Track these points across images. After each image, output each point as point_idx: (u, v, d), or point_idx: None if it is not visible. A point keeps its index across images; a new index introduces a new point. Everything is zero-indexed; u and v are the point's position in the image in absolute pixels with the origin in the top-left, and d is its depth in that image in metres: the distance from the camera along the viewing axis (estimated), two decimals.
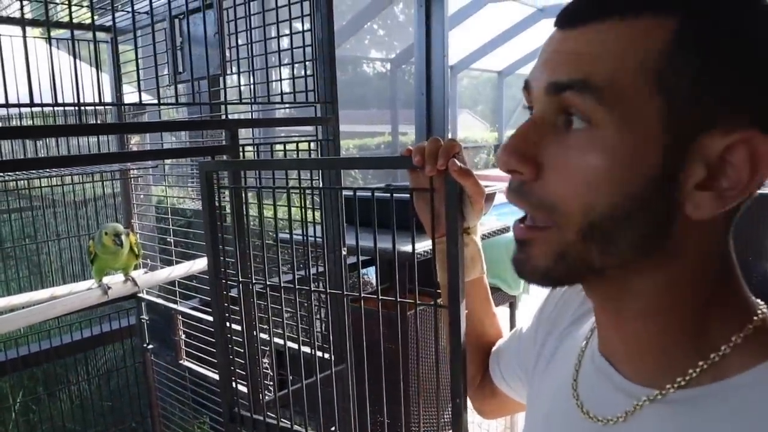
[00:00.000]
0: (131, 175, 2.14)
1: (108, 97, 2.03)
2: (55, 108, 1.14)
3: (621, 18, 0.47)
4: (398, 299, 0.92)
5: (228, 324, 1.21)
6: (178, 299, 2.07)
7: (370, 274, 3.16)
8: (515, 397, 0.92)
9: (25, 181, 1.94)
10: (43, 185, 1.97)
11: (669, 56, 0.46)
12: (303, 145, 1.42)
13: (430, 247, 0.95)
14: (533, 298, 2.90)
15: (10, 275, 1.96)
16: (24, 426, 2.21)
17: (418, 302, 0.92)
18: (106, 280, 1.83)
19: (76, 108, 1.11)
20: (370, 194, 0.99)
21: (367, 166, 0.98)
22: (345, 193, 1.52)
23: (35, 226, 2.02)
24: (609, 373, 0.60)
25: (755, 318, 0.52)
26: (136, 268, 1.95)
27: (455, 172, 0.81)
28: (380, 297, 0.95)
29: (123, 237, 1.71)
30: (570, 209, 0.50)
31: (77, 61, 1.18)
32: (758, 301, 0.55)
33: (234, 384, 1.24)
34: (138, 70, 1.36)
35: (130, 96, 2.01)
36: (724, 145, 0.46)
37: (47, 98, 1.09)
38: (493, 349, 0.96)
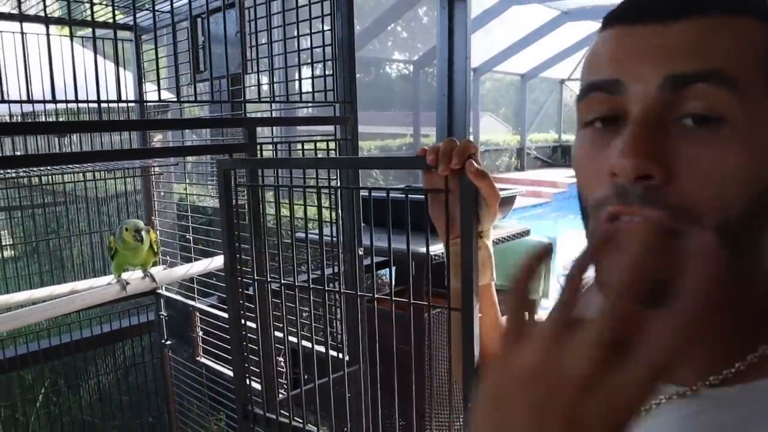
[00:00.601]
0: (152, 173, 2.16)
1: (131, 96, 2.06)
2: (78, 105, 1.15)
3: (724, 14, 0.47)
4: (411, 301, 0.91)
5: (243, 321, 1.22)
6: (196, 296, 2.09)
7: (388, 275, 3.16)
8: None
9: (49, 177, 1.97)
10: (66, 181, 2.00)
11: None
12: (321, 145, 1.42)
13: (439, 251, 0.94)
14: (552, 301, 2.88)
15: (33, 269, 1.99)
16: (45, 417, 2.25)
17: (431, 304, 0.92)
18: (125, 276, 1.85)
19: (97, 105, 1.13)
20: (386, 195, 0.99)
21: (383, 166, 0.98)
22: (362, 193, 1.52)
23: (58, 222, 2.05)
24: None
25: None
26: (154, 264, 1.97)
27: (471, 173, 0.80)
28: (393, 298, 0.95)
29: (143, 233, 1.73)
30: (702, 212, 0.47)
31: (99, 59, 1.19)
32: None
33: (248, 382, 1.25)
34: (158, 68, 1.37)
35: (152, 95, 2.03)
36: None
37: (69, 96, 1.10)
38: None
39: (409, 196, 0.98)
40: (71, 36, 1.08)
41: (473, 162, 0.81)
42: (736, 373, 0.49)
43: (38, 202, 2.15)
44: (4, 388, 2.16)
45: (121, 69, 2.00)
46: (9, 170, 1.90)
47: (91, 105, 1.62)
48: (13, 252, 2.27)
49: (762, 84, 0.46)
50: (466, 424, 0.97)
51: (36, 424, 2.23)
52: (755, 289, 0.50)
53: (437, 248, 1.89)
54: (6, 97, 1.03)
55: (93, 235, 2.13)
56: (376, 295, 0.99)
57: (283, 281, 1.15)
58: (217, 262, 1.90)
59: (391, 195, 0.97)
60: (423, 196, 0.92)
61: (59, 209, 2.14)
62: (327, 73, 1.46)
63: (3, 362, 1.92)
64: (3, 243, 2.05)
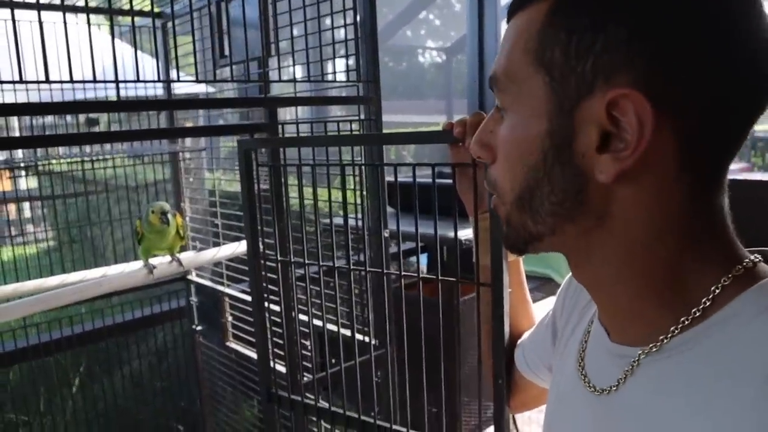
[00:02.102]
0: (181, 158, 2.16)
1: (157, 85, 2.06)
2: (95, 85, 1.14)
3: (521, 9, 0.53)
4: (439, 277, 0.88)
5: (267, 304, 1.20)
6: (225, 282, 2.09)
7: (416, 262, 3.12)
8: (546, 387, 0.89)
9: (80, 163, 1.99)
10: (96, 168, 2.01)
11: (541, 34, 0.51)
12: (345, 127, 1.39)
13: (472, 235, 0.92)
14: None
15: (68, 257, 2.02)
16: (81, 402, 2.29)
17: (460, 279, 0.89)
18: (153, 261, 1.85)
19: (115, 86, 1.12)
20: (412, 179, 0.96)
21: (408, 141, 0.95)
22: (391, 179, 1.49)
23: (89, 210, 2.08)
24: (604, 340, 0.61)
25: (738, 267, 0.52)
26: (181, 250, 1.97)
27: None
28: (421, 275, 0.92)
29: (169, 215, 1.72)
30: (503, 185, 0.57)
31: (126, 46, 1.18)
32: (755, 255, 0.54)
33: (272, 364, 1.23)
34: (176, 48, 1.35)
35: (178, 83, 2.03)
36: (603, 106, 0.48)
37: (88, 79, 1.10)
38: (519, 341, 0.94)
39: (437, 180, 0.95)
40: (88, 21, 1.07)
41: None
42: (683, 329, 0.52)
43: (71, 191, 2.18)
44: (43, 373, 2.20)
45: (146, 56, 2.01)
46: (45, 160, 1.92)
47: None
48: (47, 243, 2.31)
49: (533, 64, 0.51)
50: (497, 406, 0.94)
51: (72, 409, 2.27)
52: (657, 252, 0.52)
53: (466, 233, 1.85)
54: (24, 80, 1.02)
55: (122, 222, 2.15)
56: (403, 273, 0.96)
57: (307, 262, 1.13)
58: (245, 246, 1.90)
59: (418, 180, 0.94)
60: (451, 181, 0.90)
61: (93, 198, 2.17)
62: (350, 52, 1.43)
63: (39, 347, 1.95)
64: (34, 231, 2.08)
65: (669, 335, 0.52)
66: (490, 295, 0.92)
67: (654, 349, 0.53)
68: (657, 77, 0.47)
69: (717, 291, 0.51)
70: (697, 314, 0.51)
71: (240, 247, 1.89)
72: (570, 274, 0.80)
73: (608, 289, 0.57)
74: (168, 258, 1.87)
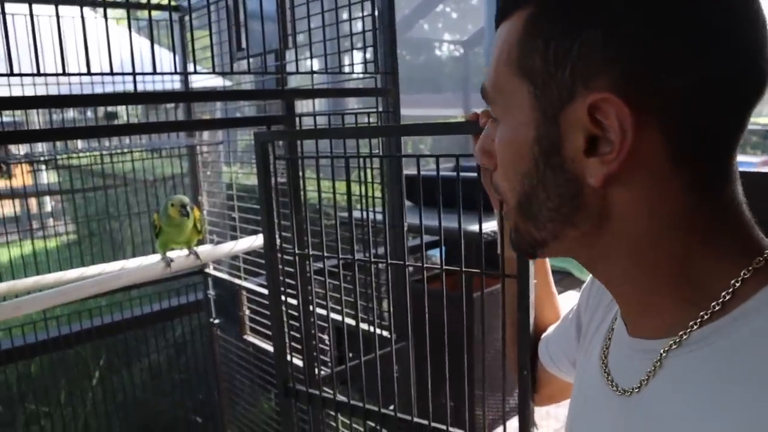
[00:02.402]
0: (198, 152, 2.17)
1: (175, 78, 2.07)
2: (113, 80, 1.14)
3: (505, 19, 0.54)
4: (463, 269, 0.87)
5: (284, 297, 1.20)
6: (242, 275, 2.09)
7: (436, 256, 3.11)
8: (571, 381, 0.87)
9: (99, 157, 1.99)
10: (115, 161, 2.02)
11: (521, 43, 0.51)
12: (362, 119, 1.38)
13: (495, 227, 0.90)
14: None
15: (87, 250, 2.03)
16: (101, 394, 2.31)
17: (485, 272, 0.87)
18: (170, 255, 1.85)
19: (132, 78, 1.11)
20: (434, 174, 0.95)
21: (430, 132, 0.94)
22: (408, 172, 1.48)
23: (108, 203, 2.09)
24: (625, 336, 0.60)
25: (759, 259, 0.50)
26: (199, 243, 1.97)
27: None
28: (444, 267, 0.90)
29: (188, 208, 1.72)
30: (504, 191, 0.58)
31: (143, 41, 1.18)
32: None
33: (290, 358, 1.23)
34: (192, 42, 1.35)
35: (196, 76, 2.03)
36: (585, 110, 0.47)
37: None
38: (543, 334, 0.94)
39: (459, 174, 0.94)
40: (106, 15, 1.07)
41: None
42: (712, 314, 0.51)
43: (90, 185, 2.20)
44: (63, 365, 2.23)
45: (164, 51, 2.01)
46: (65, 154, 1.94)
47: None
48: (67, 236, 2.33)
49: (516, 74, 0.51)
50: (522, 398, 0.93)
51: (92, 400, 2.29)
52: (664, 249, 0.52)
53: (489, 225, 1.83)
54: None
55: (145, 217, 2.16)
56: (426, 265, 0.95)
57: (325, 255, 1.12)
58: (262, 239, 1.90)
59: (438, 173, 0.93)
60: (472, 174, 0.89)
61: (112, 192, 2.18)
62: (367, 44, 1.42)
63: (60, 339, 1.97)
64: (54, 224, 2.10)
65: (688, 330, 0.51)
66: (515, 287, 0.91)
67: (674, 346, 0.52)
68: (633, 78, 0.46)
69: (737, 284, 0.50)
70: (717, 308, 0.50)
71: (257, 241, 1.89)
72: None
73: (621, 286, 0.57)
74: (185, 251, 1.87)
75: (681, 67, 0.46)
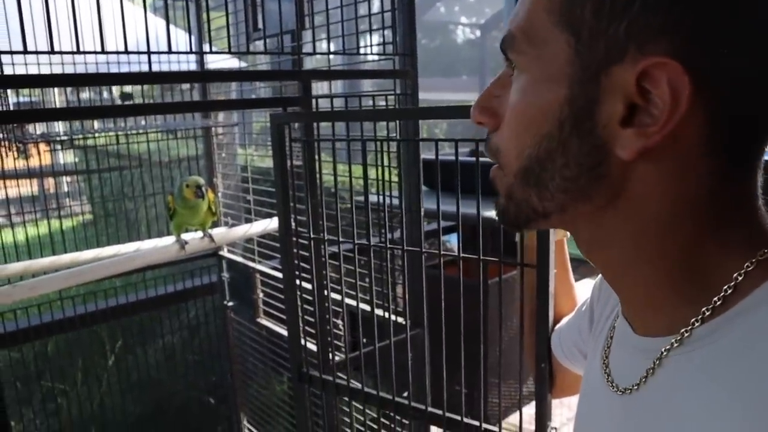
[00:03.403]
0: (214, 133, 2.15)
1: (190, 59, 2.05)
2: (129, 60, 1.13)
3: None
4: (481, 257, 0.85)
5: (299, 282, 1.18)
6: (257, 258, 2.09)
7: (452, 241, 3.09)
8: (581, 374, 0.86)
9: (115, 137, 1.99)
10: (131, 142, 2.02)
11: None
12: (379, 102, 1.36)
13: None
14: None
15: (101, 228, 2.04)
16: (116, 373, 2.33)
17: (503, 260, 0.85)
18: (185, 236, 1.85)
19: (147, 57, 1.10)
20: (451, 158, 0.92)
21: (450, 115, 0.91)
22: (426, 157, 1.45)
23: (123, 184, 2.09)
24: (629, 335, 0.57)
25: (764, 251, 0.47)
26: (214, 225, 1.96)
27: None
28: (461, 255, 0.88)
29: (203, 189, 1.71)
30: (507, 153, 0.52)
31: (158, 20, 1.16)
32: None
33: (304, 343, 1.22)
34: (209, 21, 1.33)
35: (211, 58, 2.01)
36: (635, 75, 0.43)
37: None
38: (557, 326, 0.92)
39: (467, 158, 0.91)
40: None
41: None
42: (713, 309, 0.48)
43: (106, 166, 2.20)
44: (79, 344, 2.25)
45: (180, 31, 1.99)
46: (81, 134, 1.93)
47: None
48: (83, 216, 2.34)
49: (557, 23, 0.46)
50: (539, 390, 0.91)
51: (107, 380, 2.31)
52: (675, 236, 0.48)
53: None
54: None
55: (160, 198, 2.15)
56: (442, 252, 0.93)
57: (341, 240, 1.11)
58: (276, 222, 1.88)
59: (447, 157, 0.90)
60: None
61: (127, 173, 2.18)
62: (386, 25, 1.39)
63: (75, 319, 1.98)
64: (70, 204, 2.10)
65: (690, 327, 0.48)
66: (533, 276, 0.89)
67: (676, 344, 0.49)
68: (696, 49, 0.42)
69: (740, 278, 0.47)
70: (718, 303, 0.47)
71: (272, 224, 1.88)
72: None
73: (622, 276, 0.54)
74: (200, 234, 1.86)
75: (743, 47, 0.42)
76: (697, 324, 0.48)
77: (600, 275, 0.78)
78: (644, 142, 0.44)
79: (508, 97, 0.52)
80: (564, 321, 0.90)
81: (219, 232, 1.92)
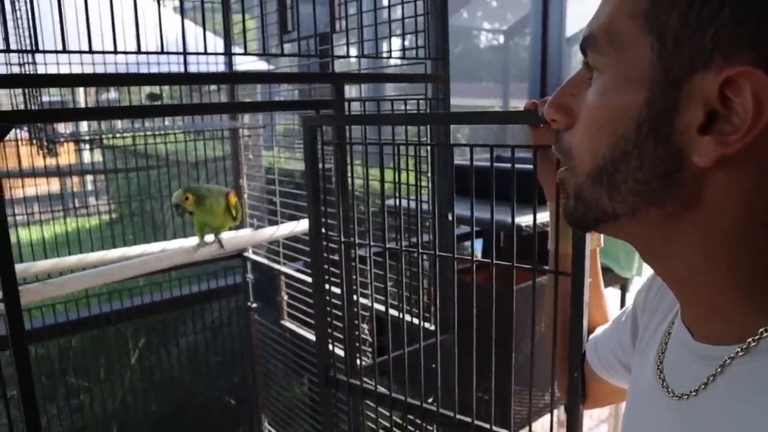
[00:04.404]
0: (241, 135, 2.16)
1: (219, 60, 2.06)
2: (159, 62, 1.13)
3: None
4: (515, 264, 0.84)
5: (328, 286, 1.18)
6: (282, 260, 2.09)
7: (476, 248, 3.07)
8: (621, 385, 0.84)
9: (142, 137, 2.00)
10: (158, 142, 2.03)
11: None
12: (411, 105, 1.35)
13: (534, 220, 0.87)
14: (645, 279, 2.72)
15: (126, 227, 2.05)
16: (138, 372, 2.34)
17: (538, 268, 0.84)
18: (207, 238, 1.82)
19: (183, 58, 1.10)
20: (477, 164, 0.92)
21: (485, 121, 0.90)
22: (456, 162, 1.44)
23: (150, 184, 2.10)
24: (687, 340, 0.56)
25: None
26: (240, 227, 1.95)
27: None
28: (494, 261, 0.87)
29: (180, 208, 1.64)
30: (580, 153, 0.52)
31: (187, 23, 1.16)
32: None
33: (331, 347, 1.21)
34: (244, 23, 1.33)
35: (239, 60, 2.02)
36: (718, 83, 0.43)
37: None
38: (591, 336, 0.90)
39: (497, 163, 0.90)
40: None
41: None
42: None
43: (132, 166, 2.21)
44: (103, 342, 2.26)
45: (209, 34, 2.00)
46: (109, 134, 1.95)
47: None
48: (109, 215, 2.36)
49: (641, 26, 0.46)
50: (571, 401, 0.89)
51: (130, 378, 2.32)
52: (749, 244, 0.47)
53: (526, 219, 1.79)
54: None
55: None
56: (475, 259, 0.92)
57: (372, 244, 1.10)
58: (303, 225, 1.88)
59: (478, 163, 0.89)
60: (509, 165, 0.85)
61: (153, 173, 2.19)
62: (418, 29, 1.38)
63: (100, 317, 2.00)
64: (97, 204, 2.12)
65: (758, 337, 0.48)
66: (566, 285, 0.87)
67: (741, 353, 0.48)
68: None
69: None
70: None
71: (299, 226, 1.88)
72: (652, 274, 0.75)
73: (687, 283, 0.53)
74: (224, 235, 1.85)
75: None
76: (765, 334, 0.47)
77: (642, 286, 0.77)
78: (723, 150, 0.44)
79: (584, 97, 0.53)
80: (600, 331, 0.89)
81: (245, 234, 1.92)
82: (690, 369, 0.55)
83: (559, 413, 2.35)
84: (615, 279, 2.67)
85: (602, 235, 0.90)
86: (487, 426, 1.04)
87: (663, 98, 0.45)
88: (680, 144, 0.46)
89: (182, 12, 1.18)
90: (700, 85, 0.44)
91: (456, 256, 0.97)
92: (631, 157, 0.48)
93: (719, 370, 0.50)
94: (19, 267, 1.54)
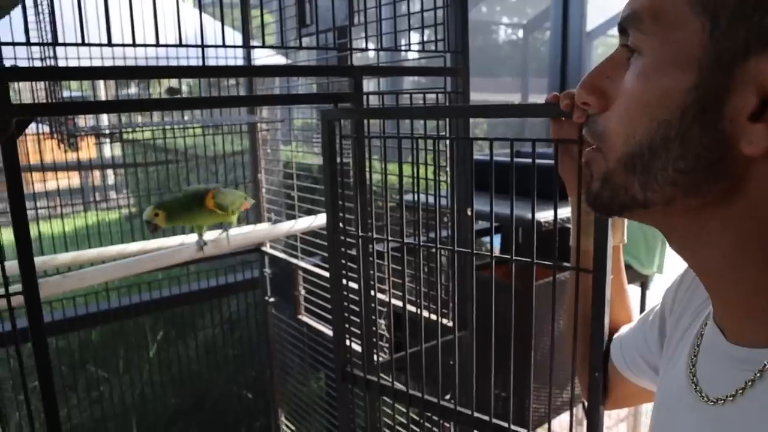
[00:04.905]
0: (259, 129, 2.16)
1: (238, 56, 2.06)
2: (178, 56, 1.13)
3: None
4: (535, 261, 0.82)
5: (345, 281, 1.17)
6: (299, 255, 2.09)
7: (489, 243, 3.05)
8: (646, 386, 0.81)
9: (161, 131, 2.01)
10: (177, 136, 2.04)
11: None
12: (430, 99, 1.33)
13: (553, 217, 0.85)
14: (666, 277, 2.68)
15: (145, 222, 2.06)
16: (157, 365, 2.36)
17: (559, 264, 0.82)
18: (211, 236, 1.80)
19: (201, 50, 1.10)
20: (502, 160, 0.90)
21: (507, 114, 0.89)
22: (475, 157, 1.43)
23: (169, 178, 2.11)
24: (720, 342, 0.54)
25: None
26: (257, 221, 1.95)
27: None
28: (514, 258, 0.86)
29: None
30: (614, 137, 0.50)
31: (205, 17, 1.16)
32: None
33: (348, 342, 1.20)
34: (262, 17, 1.32)
35: (260, 50, 2.02)
36: None
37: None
38: (616, 335, 0.88)
39: (516, 159, 0.89)
40: None
41: None
42: None
43: (152, 160, 2.23)
44: (122, 335, 2.28)
45: (228, 29, 2.00)
46: (129, 128, 1.96)
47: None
48: (129, 209, 2.38)
49: (693, 5, 0.43)
50: (592, 401, 0.88)
51: (148, 371, 2.34)
52: None
53: (544, 215, 1.77)
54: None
55: None
56: (494, 255, 0.90)
57: (390, 239, 1.09)
58: (321, 220, 1.88)
59: (500, 159, 0.88)
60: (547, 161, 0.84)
61: (173, 167, 2.20)
62: (437, 22, 1.37)
63: (120, 310, 2.02)
64: (117, 197, 2.13)
65: None
66: (587, 282, 0.85)
67: None
68: None
69: None
70: None
71: (316, 221, 1.87)
72: (681, 272, 0.73)
73: (720, 277, 0.51)
74: (229, 232, 1.82)
75: None
76: None
77: (671, 285, 0.75)
78: None
79: (620, 79, 0.50)
80: (625, 330, 0.87)
81: (263, 228, 1.93)
82: (725, 373, 0.52)
83: (578, 412, 2.33)
84: (635, 276, 2.63)
85: (625, 232, 0.88)
86: (505, 424, 1.02)
87: (713, 82, 0.43)
88: (728, 131, 0.43)
89: (200, 5, 1.18)
90: (754, 70, 0.41)
91: (474, 251, 0.95)
92: (673, 144, 0.45)
93: (758, 375, 0.48)
94: (40, 260, 1.55)
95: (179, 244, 1.80)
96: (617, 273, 0.89)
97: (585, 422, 0.93)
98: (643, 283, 2.71)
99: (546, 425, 2.10)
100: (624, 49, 0.51)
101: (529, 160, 0.88)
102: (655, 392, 0.71)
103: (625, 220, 0.87)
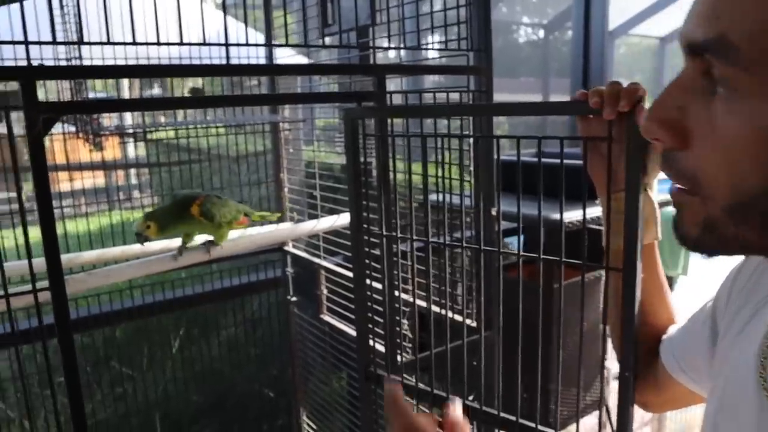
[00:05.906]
0: (282, 129, 2.17)
1: (260, 56, 2.07)
2: (201, 56, 1.14)
3: None
4: (563, 259, 0.81)
5: (368, 280, 1.17)
6: (322, 254, 2.09)
7: (513, 244, 3.02)
8: (698, 390, 0.79)
9: (185, 131, 2.03)
10: (201, 135, 2.05)
11: None
12: (453, 97, 1.32)
13: (581, 217, 0.84)
14: (692, 278, 2.63)
15: None
16: (180, 362, 2.38)
17: (588, 263, 0.81)
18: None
19: (225, 49, 1.10)
20: (528, 159, 0.89)
21: (534, 112, 0.88)
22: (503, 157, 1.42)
23: (192, 178, 2.12)
24: None
25: None
26: (279, 221, 1.95)
27: (642, 117, 0.69)
28: (542, 257, 0.85)
29: (142, 237, 1.55)
30: (714, 184, 0.45)
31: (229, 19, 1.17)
32: None
33: (372, 342, 1.20)
34: (285, 16, 1.33)
35: (282, 51, 2.03)
36: None
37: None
38: (665, 336, 0.85)
39: (545, 159, 0.87)
40: None
41: (643, 105, 0.70)
42: None
43: (175, 159, 2.24)
44: (146, 333, 2.31)
45: (250, 29, 2.01)
46: (152, 128, 1.98)
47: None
48: (153, 208, 2.40)
49: None
50: (622, 402, 0.86)
51: (171, 368, 2.36)
52: None
53: (570, 215, 1.75)
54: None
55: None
56: (521, 253, 0.89)
57: (415, 238, 1.08)
58: (343, 219, 1.88)
59: (540, 158, 0.87)
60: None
61: (195, 167, 2.22)
62: (460, 20, 1.36)
63: (143, 308, 2.03)
64: (140, 197, 2.15)
65: None
66: (618, 281, 0.84)
67: None
68: None
69: None
70: None
71: (339, 220, 1.87)
72: (737, 265, 0.70)
73: None
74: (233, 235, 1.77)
75: None
76: None
77: (723, 284, 0.72)
78: None
79: (697, 109, 0.45)
80: (673, 329, 0.84)
81: (286, 227, 1.93)
82: None
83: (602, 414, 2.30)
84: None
85: (660, 228, 0.85)
86: (532, 425, 1.01)
87: None
88: None
89: (224, 6, 1.19)
90: None
91: (501, 251, 0.94)
92: None
93: None
94: (65, 257, 1.57)
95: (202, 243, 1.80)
96: (653, 271, 0.87)
97: (608, 427, 0.92)
98: (669, 284, 2.68)
99: (570, 425, 2.07)
100: (696, 73, 0.45)
101: (553, 160, 0.87)
102: (709, 393, 0.68)
103: (659, 217, 0.85)
